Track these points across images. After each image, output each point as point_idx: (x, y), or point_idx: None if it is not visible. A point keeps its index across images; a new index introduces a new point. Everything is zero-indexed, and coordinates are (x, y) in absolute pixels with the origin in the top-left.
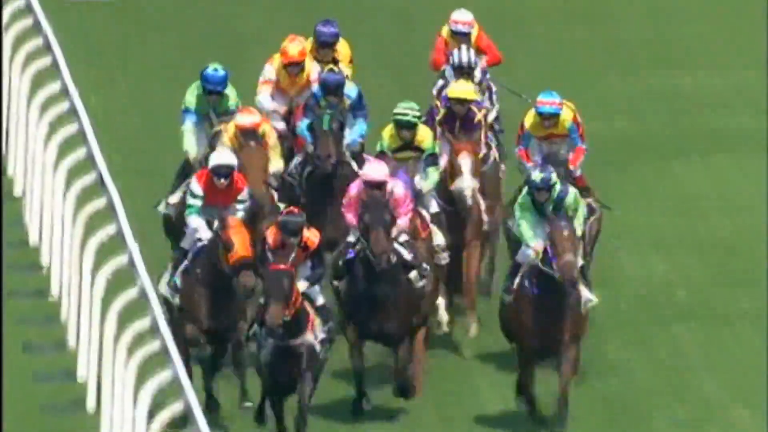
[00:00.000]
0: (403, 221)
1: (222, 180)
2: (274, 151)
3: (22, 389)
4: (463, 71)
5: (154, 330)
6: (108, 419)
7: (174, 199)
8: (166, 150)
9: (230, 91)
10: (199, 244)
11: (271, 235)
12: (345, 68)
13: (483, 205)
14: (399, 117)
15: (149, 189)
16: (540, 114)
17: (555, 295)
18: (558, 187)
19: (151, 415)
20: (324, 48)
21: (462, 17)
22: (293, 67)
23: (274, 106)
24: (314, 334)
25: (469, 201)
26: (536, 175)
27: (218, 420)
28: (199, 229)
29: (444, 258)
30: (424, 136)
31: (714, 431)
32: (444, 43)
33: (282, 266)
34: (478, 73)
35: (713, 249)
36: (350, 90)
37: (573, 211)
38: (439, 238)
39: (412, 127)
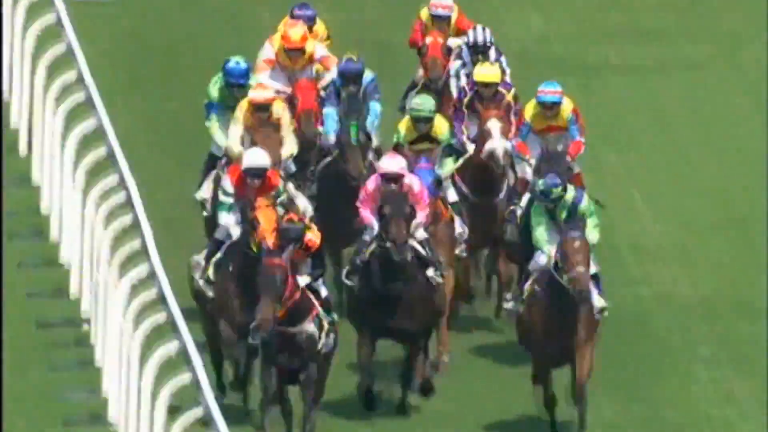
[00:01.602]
0: (420, 216)
1: (255, 181)
2: (287, 132)
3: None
4: (478, 50)
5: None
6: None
7: (203, 193)
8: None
9: (253, 83)
10: (232, 239)
11: (270, 238)
12: (322, 47)
13: (512, 178)
14: (415, 113)
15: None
16: (541, 103)
17: (567, 300)
18: (572, 193)
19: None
20: None
21: (442, 1)
22: (294, 52)
23: (275, 85)
24: (316, 324)
25: (502, 160)
26: (540, 184)
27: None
28: (229, 227)
29: (463, 250)
30: (441, 127)
31: None
32: (422, 25)
33: (276, 260)
34: (493, 53)
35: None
36: (366, 75)
37: (588, 217)
38: (459, 227)
39: (429, 120)
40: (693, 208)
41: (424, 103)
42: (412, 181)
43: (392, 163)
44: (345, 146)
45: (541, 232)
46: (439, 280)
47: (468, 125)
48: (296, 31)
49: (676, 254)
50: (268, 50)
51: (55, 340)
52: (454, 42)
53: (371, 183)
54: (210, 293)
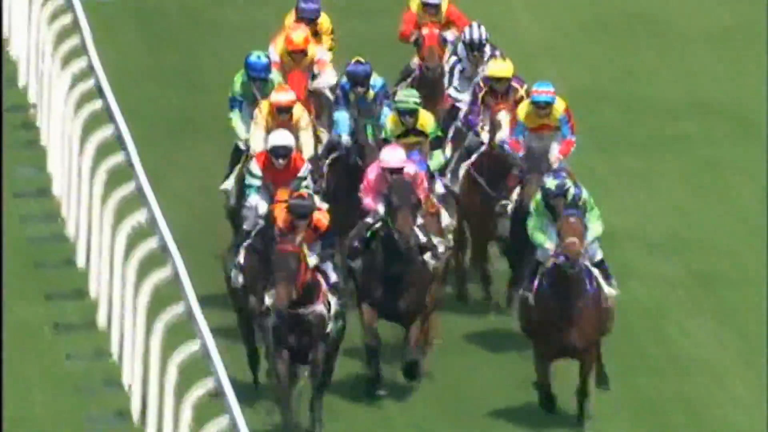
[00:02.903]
0: (420, 198)
1: (280, 160)
2: (306, 135)
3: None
4: (474, 47)
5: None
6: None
7: (228, 185)
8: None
9: (274, 77)
10: (260, 222)
11: (280, 215)
12: (326, 41)
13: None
14: (401, 105)
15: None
16: (535, 103)
17: (572, 294)
18: (572, 191)
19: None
20: (306, 23)
21: None
22: (297, 54)
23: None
24: (325, 305)
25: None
26: (551, 183)
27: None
28: (258, 206)
29: (448, 241)
30: (426, 120)
31: None
32: (413, 15)
33: (289, 247)
34: (488, 49)
35: None
36: (376, 80)
37: (588, 212)
38: (446, 219)
39: (413, 113)
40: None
41: (408, 95)
42: (410, 168)
43: (393, 155)
44: (363, 145)
45: (540, 231)
46: (434, 263)
47: (484, 120)
48: (298, 33)
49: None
50: (272, 53)
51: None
52: (448, 34)
53: (372, 172)
54: (240, 280)
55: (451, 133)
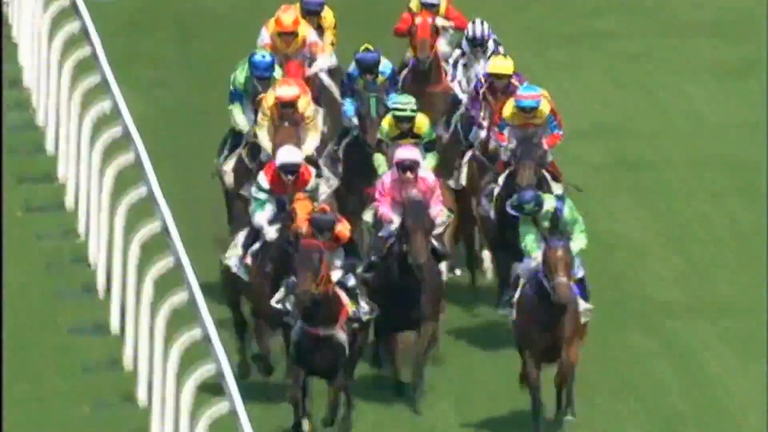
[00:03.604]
0: (435, 211)
1: (289, 176)
2: (310, 125)
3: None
4: (477, 43)
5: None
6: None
7: (228, 166)
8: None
9: (278, 75)
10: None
11: (304, 227)
12: (329, 35)
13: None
14: (398, 113)
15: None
16: (520, 108)
17: (554, 306)
18: (551, 203)
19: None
20: (310, 15)
21: None
22: (287, 35)
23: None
24: (348, 328)
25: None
26: (514, 199)
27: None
28: (264, 228)
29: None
30: (422, 124)
31: None
32: (411, 16)
33: (314, 242)
34: (491, 45)
35: None
36: (385, 67)
37: (571, 225)
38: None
39: (410, 120)
40: None
41: (406, 103)
42: (427, 176)
43: (407, 152)
44: (364, 117)
45: (529, 240)
46: (449, 273)
47: (484, 116)
48: (288, 15)
49: None
50: (264, 35)
51: None
52: (441, 22)
53: (388, 177)
54: (245, 277)
55: (452, 127)
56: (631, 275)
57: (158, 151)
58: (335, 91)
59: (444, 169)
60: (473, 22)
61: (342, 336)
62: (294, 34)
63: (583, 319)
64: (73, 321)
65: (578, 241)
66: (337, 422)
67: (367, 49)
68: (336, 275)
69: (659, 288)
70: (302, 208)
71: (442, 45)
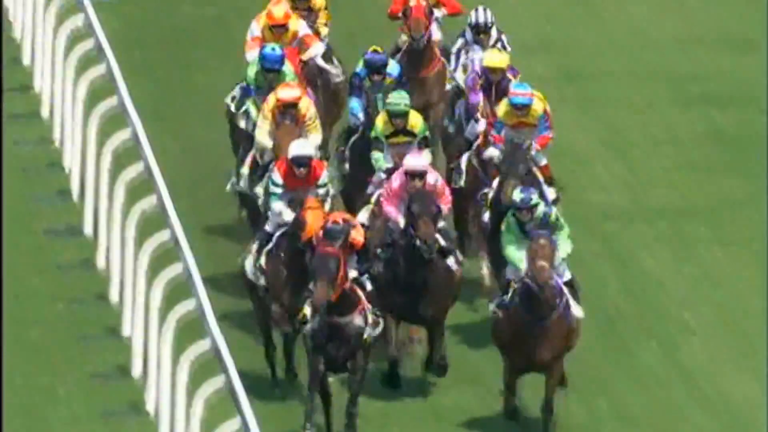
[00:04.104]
0: (444, 209)
1: (301, 169)
2: (312, 124)
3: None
4: (480, 30)
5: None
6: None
7: (244, 171)
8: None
9: (287, 68)
10: (283, 228)
11: (314, 232)
12: (322, 16)
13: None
14: (392, 107)
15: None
16: (513, 105)
17: (543, 311)
18: (541, 208)
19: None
20: (300, 1)
21: None
22: (278, 28)
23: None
24: (364, 318)
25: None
26: (517, 195)
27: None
28: (282, 212)
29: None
30: (416, 121)
31: None
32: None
33: (330, 249)
34: (494, 32)
35: None
36: (392, 68)
37: (557, 231)
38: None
39: (404, 115)
40: None
41: (400, 99)
42: (434, 178)
43: (417, 160)
44: (372, 114)
45: (512, 250)
46: (457, 267)
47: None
48: (279, 8)
49: None
50: (255, 28)
51: None
52: (436, 11)
53: (395, 180)
54: (262, 281)
55: (455, 119)
56: (574, 182)
57: (131, 64)
58: (331, 70)
59: (449, 164)
60: (476, 9)
61: (359, 321)
62: (285, 28)
63: (574, 324)
64: (48, 223)
65: (564, 247)
66: (347, 410)
67: (375, 51)
68: (352, 274)
69: (600, 193)
70: (314, 216)
71: (434, 31)
